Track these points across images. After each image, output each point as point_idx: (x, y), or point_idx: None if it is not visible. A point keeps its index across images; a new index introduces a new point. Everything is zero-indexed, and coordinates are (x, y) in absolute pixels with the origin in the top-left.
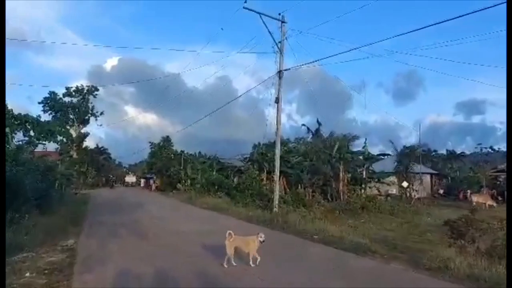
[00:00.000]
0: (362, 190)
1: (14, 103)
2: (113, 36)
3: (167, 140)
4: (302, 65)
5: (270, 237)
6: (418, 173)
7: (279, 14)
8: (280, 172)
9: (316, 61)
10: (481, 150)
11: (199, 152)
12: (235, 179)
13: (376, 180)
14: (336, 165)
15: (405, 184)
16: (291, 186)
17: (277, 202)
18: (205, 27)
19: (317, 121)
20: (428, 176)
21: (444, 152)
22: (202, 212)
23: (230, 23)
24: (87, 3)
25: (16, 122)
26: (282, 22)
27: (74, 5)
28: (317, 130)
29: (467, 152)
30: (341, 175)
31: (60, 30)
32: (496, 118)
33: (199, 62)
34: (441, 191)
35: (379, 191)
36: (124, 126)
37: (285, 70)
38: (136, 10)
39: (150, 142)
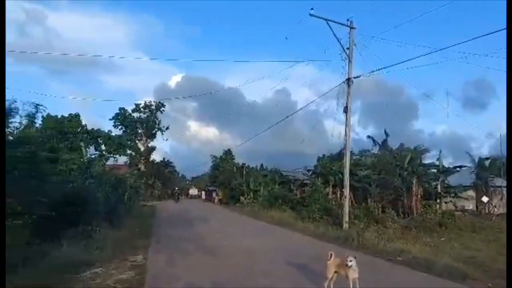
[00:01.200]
0: (437, 206)
1: (88, 120)
2: (178, 55)
3: (228, 153)
4: (374, 71)
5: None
6: (499, 186)
7: (347, 20)
8: (349, 186)
9: (387, 67)
10: None
11: (261, 165)
12: (298, 193)
13: (453, 194)
14: (408, 178)
15: (485, 199)
16: (358, 200)
17: (347, 218)
18: (266, 41)
19: (385, 132)
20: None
21: None
22: (267, 227)
23: (293, 34)
24: (155, 26)
25: (89, 137)
26: (351, 28)
27: (143, 29)
28: (384, 142)
29: None
30: (414, 189)
31: (131, 52)
32: None
33: (259, 76)
34: None
35: (455, 206)
36: (187, 140)
37: (354, 77)
38: (199, 31)
39: (212, 155)
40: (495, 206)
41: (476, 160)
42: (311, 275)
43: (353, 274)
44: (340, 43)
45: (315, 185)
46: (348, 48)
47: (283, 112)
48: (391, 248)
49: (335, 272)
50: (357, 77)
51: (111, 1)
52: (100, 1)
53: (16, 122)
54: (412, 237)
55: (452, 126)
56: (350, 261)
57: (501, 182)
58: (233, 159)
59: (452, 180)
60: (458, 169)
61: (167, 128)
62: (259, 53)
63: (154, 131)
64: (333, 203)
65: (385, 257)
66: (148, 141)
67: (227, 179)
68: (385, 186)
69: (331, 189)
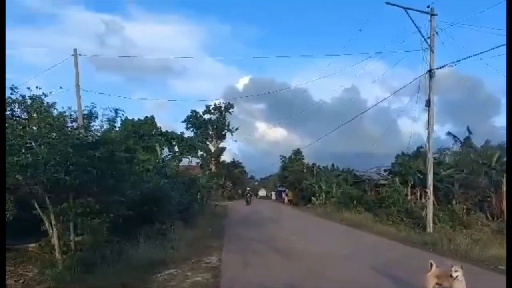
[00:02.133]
0: None
1: (162, 123)
2: (244, 58)
3: (298, 153)
4: (459, 61)
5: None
6: None
7: (428, 7)
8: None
9: (474, 55)
10: None
11: (332, 165)
12: (372, 194)
13: None
14: (497, 178)
15: None
16: (440, 201)
17: (431, 220)
18: (336, 36)
19: (467, 129)
20: None
21: None
22: (343, 229)
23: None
24: (222, 31)
25: (163, 139)
26: (432, 15)
27: (210, 34)
28: (467, 139)
29: None
30: (503, 189)
31: (200, 56)
32: None
33: (328, 73)
34: None
35: None
36: (255, 141)
37: (438, 68)
38: (264, 33)
39: (281, 156)
40: None
41: None
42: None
43: (459, 286)
44: (420, 32)
45: (394, 185)
46: (429, 37)
47: (352, 110)
48: (487, 255)
49: (437, 284)
50: (441, 67)
51: (178, 8)
52: (169, 9)
53: (96, 126)
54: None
55: None
56: (456, 271)
57: None
58: (303, 159)
59: None
60: None
61: (236, 129)
62: (328, 49)
63: (223, 132)
64: (412, 204)
65: (483, 266)
66: (218, 142)
67: (297, 180)
68: (470, 186)
69: (409, 190)
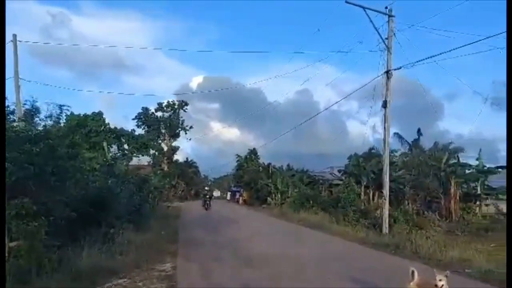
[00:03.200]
0: (477, 208)
1: (111, 120)
2: (199, 57)
3: (253, 152)
4: (416, 62)
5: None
6: None
7: (386, 7)
8: (380, 186)
9: (430, 57)
10: None
11: (288, 165)
12: (326, 193)
13: (494, 197)
14: (446, 179)
15: None
16: (392, 202)
17: (387, 221)
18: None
19: (418, 131)
20: None
21: None
22: (302, 230)
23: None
24: (176, 29)
25: (112, 136)
26: (390, 16)
27: (164, 32)
28: (416, 141)
29: None
30: (452, 190)
31: (153, 53)
32: None
33: (281, 73)
34: None
35: (498, 209)
36: (209, 140)
37: (394, 69)
38: (222, 33)
39: (236, 155)
40: None
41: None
42: None
43: None
44: (378, 32)
45: (350, 186)
46: (387, 38)
47: (306, 112)
48: (449, 257)
49: None
50: (398, 68)
51: (131, 4)
52: (122, 5)
53: (39, 122)
54: (460, 243)
55: (479, 126)
56: (440, 280)
57: None
58: (258, 159)
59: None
60: (499, 169)
61: (190, 127)
62: (287, 50)
63: (177, 131)
64: (365, 204)
65: (449, 269)
66: (171, 140)
67: (252, 180)
68: (419, 187)
69: (363, 190)
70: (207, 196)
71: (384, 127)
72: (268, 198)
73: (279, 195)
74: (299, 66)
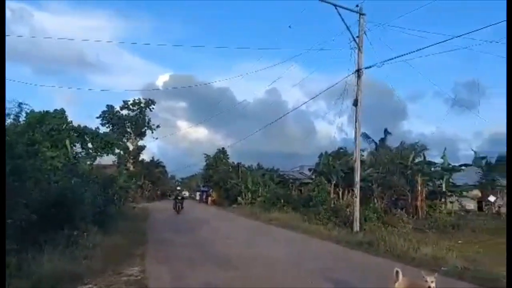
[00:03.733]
0: (443, 205)
1: (75, 118)
2: (166, 55)
3: (222, 152)
4: (387, 61)
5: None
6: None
7: (357, 6)
8: (350, 184)
9: (402, 55)
10: None
11: (258, 164)
12: (296, 193)
13: (458, 194)
14: (413, 177)
15: (492, 198)
16: (361, 200)
17: (358, 219)
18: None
19: (385, 131)
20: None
21: None
22: (274, 230)
23: (299, 27)
24: (142, 27)
25: (75, 134)
26: (361, 14)
27: (130, 30)
28: (383, 141)
29: None
30: (419, 188)
31: (118, 52)
32: None
33: (250, 75)
34: None
35: (462, 206)
36: (177, 140)
37: (365, 68)
38: (189, 32)
39: (205, 154)
40: (499, 206)
41: (474, 158)
42: None
43: None
44: (349, 30)
45: (321, 185)
46: (358, 37)
47: (275, 111)
48: (423, 254)
49: None
50: (369, 67)
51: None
52: (85, 3)
53: None
54: (430, 240)
55: (441, 126)
56: (432, 282)
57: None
58: (228, 158)
59: (456, 179)
60: (463, 167)
61: (157, 126)
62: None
63: (143, 130)
64: (335, 202)
65: (425, 268)
66: (137, 139)
67: (222, 179)
68: (387, 185)
69: (332, 188)
70: (179, 197)
71: (355, 126)
72: (239, 198)
73: (250, 195)
74: (269, 65)
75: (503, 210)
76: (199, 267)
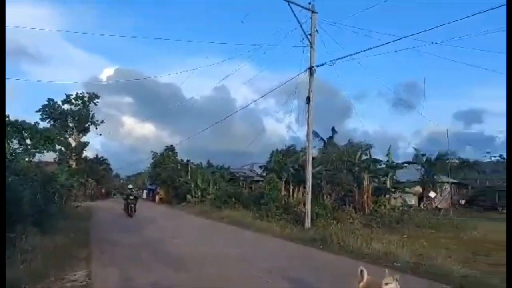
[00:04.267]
0: (387, 201)
1: (12, 113)
2: (111, 48)
3: (171, 149)
4: (338, 59)
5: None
6: (446, 182)
7: (309, 3)
8: (300, 182)
9: (352, 54)
10: (490, 158)
11: (208, 162)
12: (245, 190)
13: (401, 190)
14: (360, 174)
15: (432, 194)
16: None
17: (309, 216)
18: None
19: (333, 129)
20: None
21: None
22: (226, 228)
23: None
24: (86, 18)
25: (12, 129)
26: (313, 12)
27: (73, 20)
28: (330, 139)
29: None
30: (365, 185)
31: (60, 43)
32: (495, 127)
33: (200, 73)
34: (462, 202)
35: (405, 201)
36: (122, 137)
37: (318, 66)
38: (136, 23)
39: (152, 152)
40: (435, 202)
41: (414, 156)
42: None
43: None
44: (302, 27)
45: (273, 182)
46: (310, 34)
47: (225, 109)
48: (375, 250)
49: None
50: (321, 65)
51: None
52: None
53: None
54: (379, 236)
55: (383, 125)
56: (386, 284)
57: (446, 178)
58: (176, 155)
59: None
60: (406, 165)
61: (102, 122)
62: (201, 48)
63: (87, 125)
64: (286, 200)
65: (379, 263)
66: (81, 135)
67: (170, 177)
68: (335, 182)
69: (283, 186)
70: (131, 197)
71: (308, 123)
72: (188, 196)
73: (200, 193)
74: (218, 62)
75: (441, 205)
76: (149, 269)
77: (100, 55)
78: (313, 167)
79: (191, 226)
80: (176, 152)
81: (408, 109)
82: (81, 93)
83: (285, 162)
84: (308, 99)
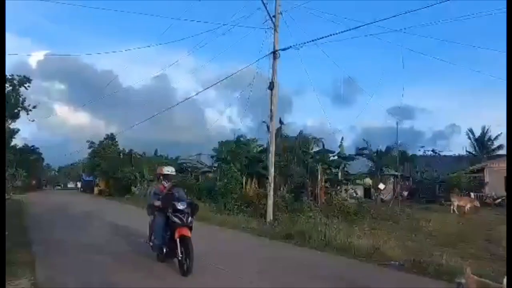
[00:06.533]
0: (340, 193)
1: None
2: (44, 32)
3: (111, 138)
4: (304, 43)
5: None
6: (392, 175)
7: None
8: (254, 173)
9: (318, 39)
10: (424, 152)
11: (155, 151)
12: (195, 181)
13: (352, 182)
14: (314, 165)
15: (381, 186)
16: (265, 188)
17: (271, 208)
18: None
19: (280, 121)
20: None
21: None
22: None
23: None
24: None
25: None
26: None
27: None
28: (279, 130)
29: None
30: (320, 176)
31: None
32: (424, 123)
33: (141, 60)
34: (405, 194)
35: (356, 193)
36: (54, 125)
37: (282, 50)
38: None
39: (89, 141)
40: (381, 194)
41: (371, 150)
42: None
43: None
44: (266, 8)
45: (230, 172)
46: (274, 16)
47: (167, 101)
48: (364, 247)
49: None
50: (286, 49)
51: None
52: None
53: None
54: (348, 229)
55: (322, 119)
56: None
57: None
58: (117, 145)
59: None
60: (357, 157)
61: (34, 107)
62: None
63: (17, 111)
64: (240, 191)
65: (373, 261)
66: (10, 121)
67: (111, 168)
68: (288, 173)
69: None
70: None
71: (271, 109)
72: (133, 188)
73: (146, 185)
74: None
75: (385, 197)
76: (113, 274)
77: (30, 38)
78: (265, 158)
79: (143, 222)
80: (117, 142)
81: (345, 104)
82: (10, 75)
83: (240, 152)
84: (271, 84)
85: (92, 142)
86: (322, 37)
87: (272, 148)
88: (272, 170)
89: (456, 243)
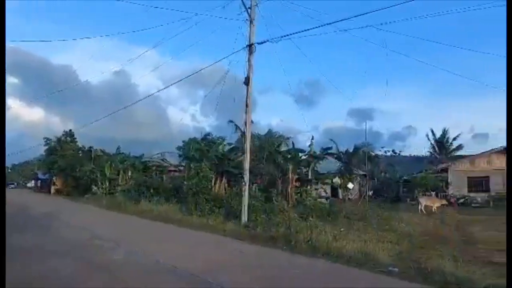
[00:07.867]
0: (311, 192)
1: None
2: None
3: (69, 135)
4: (283, 37)
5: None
6: (362, 174)
7: None
8: (224, 172)
9: (295, 33)
10: (385, 152)
11: (118, 149)
12: (161, 181)
13: (321, 180)
14: (284, 164)
15: (350, 185)
16: (235, 187)
17: (246, 209)
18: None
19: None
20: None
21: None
22: (153, 225)
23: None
24: None
25: None
26: None
27: None
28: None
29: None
30: (290, 175)
31: None
32: (383, 124)
33: (100, 56)
34: (370, 193)
35: (326, 192)
36: (6, 120)
37: (258, 43)
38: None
39: (46, 138)
40: (349, 194)
41: (338, 150)
42: None
43: None
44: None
45: (202, 171)
46: (250, 8)
47: (127, 97)
48: (352, 251)
49: None
50: (262, 42)
51: None
52: None
53: None
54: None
55: (287, 118)
56: None
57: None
58: (76, 142)
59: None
60: (327, 156)
61: None
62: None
63: None
64: (211, 191)
65: (371, 268)
66: None
67: (70, 165)
68: (258, 172)
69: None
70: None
71: (246, 104)
72: (93, 187)
73: (107, 183)
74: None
75: (352, 197)
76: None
77: None
78: (237, 156)
79: (107, 224)
80: (76, 139)
81: (309, 104)
82: None
83: (209, 150)
84: (247, 80)
85: (49, 139)
86: (298, 32)
87: (248, 146)
88: (247, 169)
89: (433, 245)
